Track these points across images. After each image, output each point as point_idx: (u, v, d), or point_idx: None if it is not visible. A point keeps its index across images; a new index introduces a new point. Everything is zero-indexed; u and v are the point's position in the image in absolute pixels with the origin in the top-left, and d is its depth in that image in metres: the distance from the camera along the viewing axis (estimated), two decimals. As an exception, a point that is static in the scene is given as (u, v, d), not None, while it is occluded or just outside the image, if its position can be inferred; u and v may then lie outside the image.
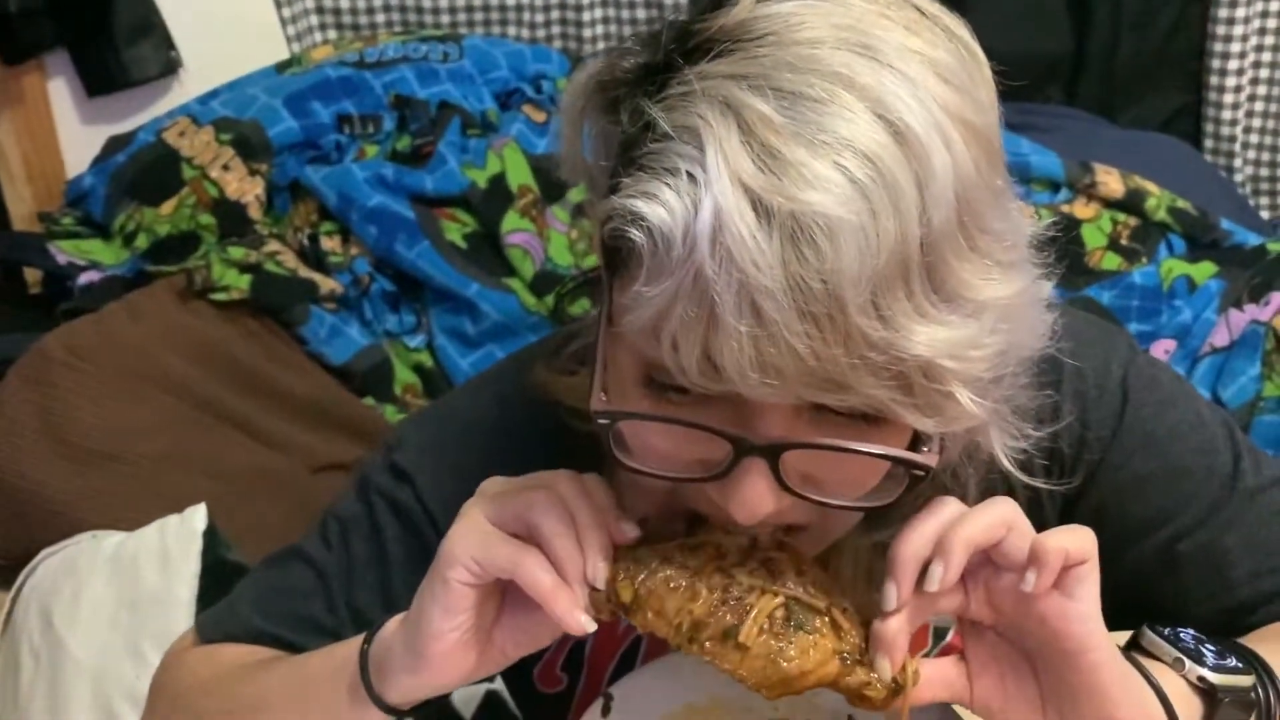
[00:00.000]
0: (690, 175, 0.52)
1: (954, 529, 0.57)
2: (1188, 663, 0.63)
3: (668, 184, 0.52)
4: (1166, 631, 0.66)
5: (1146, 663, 0.63)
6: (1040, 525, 0.74)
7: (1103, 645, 0.59)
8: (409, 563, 0.79)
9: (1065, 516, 0.79)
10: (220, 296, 1.50)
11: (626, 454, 0.59)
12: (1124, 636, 0.69)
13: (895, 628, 0.59)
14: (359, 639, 0.67)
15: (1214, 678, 0.63)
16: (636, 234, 0.53)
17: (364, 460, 0.84)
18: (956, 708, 0.68)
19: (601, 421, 0.59)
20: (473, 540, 0.60)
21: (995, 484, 0.73)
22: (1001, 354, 0.56)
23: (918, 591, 0.59)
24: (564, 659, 0.84)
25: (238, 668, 0.76)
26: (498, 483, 0.65)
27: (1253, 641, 0.68)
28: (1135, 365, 0.77)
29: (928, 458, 0.58)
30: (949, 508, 0.59)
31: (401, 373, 1.61)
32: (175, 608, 1.02)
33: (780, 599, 0.59)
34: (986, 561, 0.59)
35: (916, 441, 0.59)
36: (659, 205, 0.52)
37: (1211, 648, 0.65)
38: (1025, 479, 0.70)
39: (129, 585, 1.04)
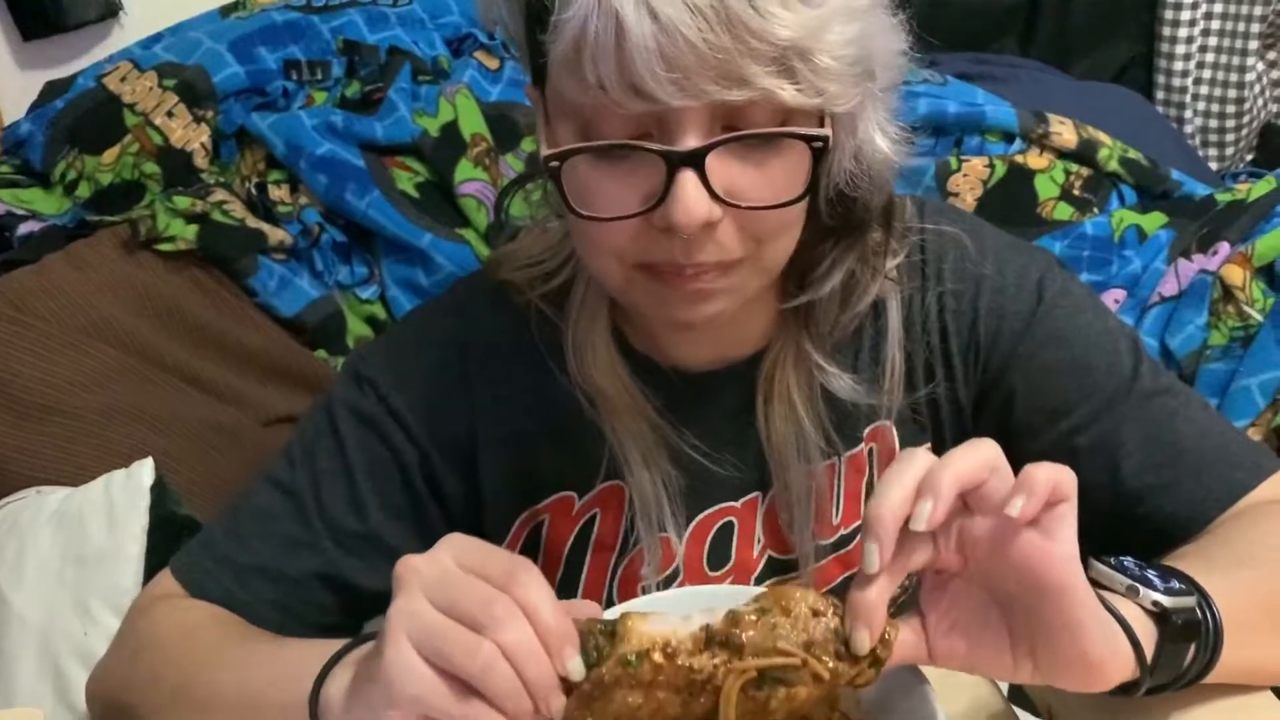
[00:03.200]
0: None
1: (939, 469, 0.58)
2: (1141, 589, 0.65)
3: None
4: (1112, 561, 0.67)
5: (1103, 595, 0.64)
6: (957, 413, 0.86)
7: (1081, 584, 0.60)
8: (373, 468, 0.83)
9: (979, 405, 0.86)
10: (166, 247, 1.47)
11: (578, 203, 0.68)
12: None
13: (875, 596, 0.59)
14: (309, 668, 0.66)
15: (1166, 601, 0.64)
16: None
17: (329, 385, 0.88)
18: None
19: (552, 165, 0.67)
20: (414, 679, 0.56)
21: (919, 350, 0.83)
22: (858, 43, 0.67)
23: (897, 551, 0.59)
24: (521, 547, 0.88)
25: (204, 649, 0.76)
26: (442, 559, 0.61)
27: (1175, 562, 0.70)
28: (1052, 273, 0.85)
29: (824, 130, 0.68)
30: (922, 456, 0.60)
31: (354, 325, 1.59)
32: (124, 564, 1.00)
33: (750, 671, 0.59)
34: (960, 509, 0.60)
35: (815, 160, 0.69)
36: None
37: (1154, 572, 0.67)
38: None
39: (75, 542, 1.02)
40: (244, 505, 0.85)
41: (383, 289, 1.61)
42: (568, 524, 0.86)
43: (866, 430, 0.86)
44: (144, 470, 1.05)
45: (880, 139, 0.75)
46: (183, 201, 1.52)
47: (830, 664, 0.59)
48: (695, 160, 0.65)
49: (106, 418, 1.24)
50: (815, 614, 0.59)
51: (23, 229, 1.52)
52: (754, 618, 0.59)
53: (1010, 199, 1.67)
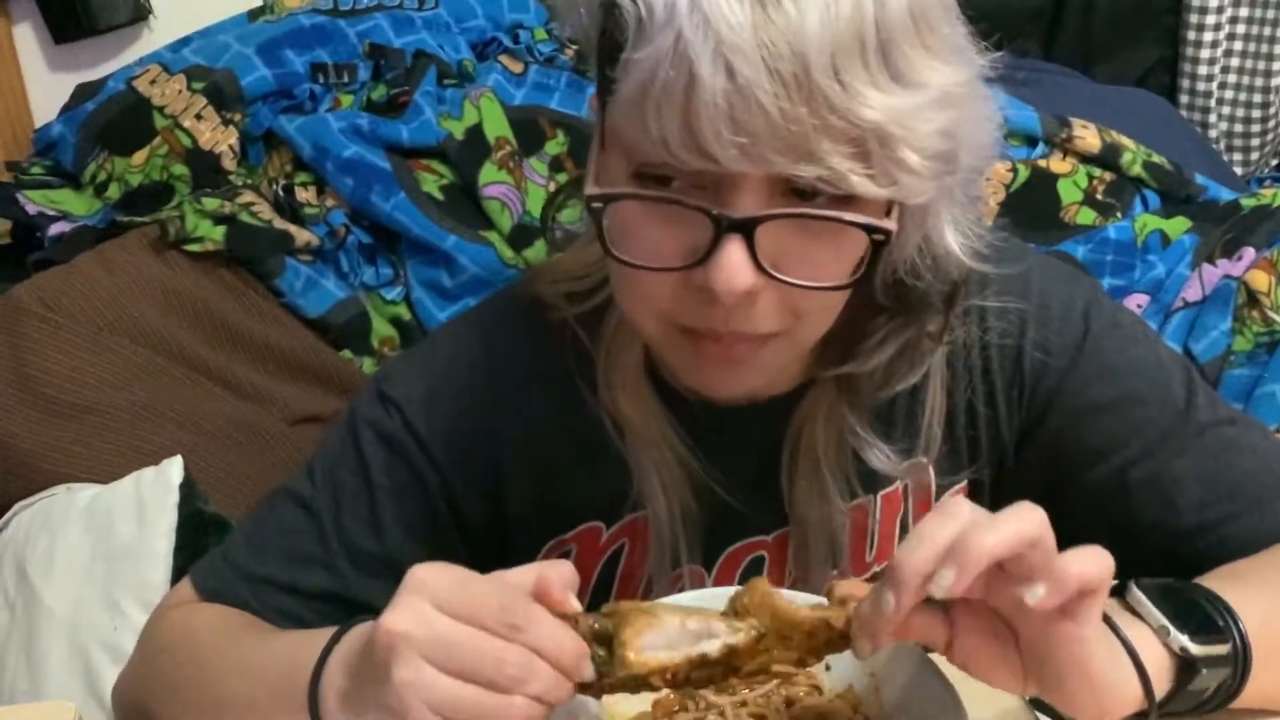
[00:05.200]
0: None
1: (974, 536, 0.54)
2: (1172, 631, 0.63)
3: None
4: (1154, 589, 0.65)
5: (1130, 629, 0.62)
6: (999, 450, 0.82)
7: (1096, 645, 0.59)
8: (395, 491, 0.81)
9: (1023, 441, 0.83)
10: (194, 248, 1.48)
11: (617, 245, 0.65)
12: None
13: (883, 622, 0.57)
14: (308, 663, 0.66)
15: (1194, 649, 0.63)
16: (627, 4, 0.60)
17: (352, 399, 0.86)
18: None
19: (595, 206, 0.63)
20: (426, 682, 0.56)
21: (961, 403, 0.80)
22: (948, 134, 0.62)
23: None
24: None
25: (209, 650, 0.76)
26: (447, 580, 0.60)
27: (1221, 579, 0.69)
28: (1098, 303, 0.82)
29: (888, 223, 0.64)
30: (961, 513, 0.56)
31: (379, 325, 1.59)
32: (152, 560, 1.02)
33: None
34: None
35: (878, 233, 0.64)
36: None
37: (1192, 604, 0.65)
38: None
39: (104, 538, 1.03)
40: (264, 517, 0.84)
41: (407, 290, 1.62)
42: (594, 554, 0.85)
43: (904, 465, 0.84)
44: (173, 468, 1.07)
45: (950, 235, 0.70)
46: (211, 203, 1.53)
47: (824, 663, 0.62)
48: (746, 229, 0.61)
49: (135, 416, 1.25)
50: (810, 635, 0.60)
51: (54, 229, 1.54)
52: (750, 645, 0.59)
53: (1033, 203, 1.67)
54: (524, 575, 0.60)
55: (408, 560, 0.82)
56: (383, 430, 0.82)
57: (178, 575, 1.02)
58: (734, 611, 0.60)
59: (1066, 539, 0.85)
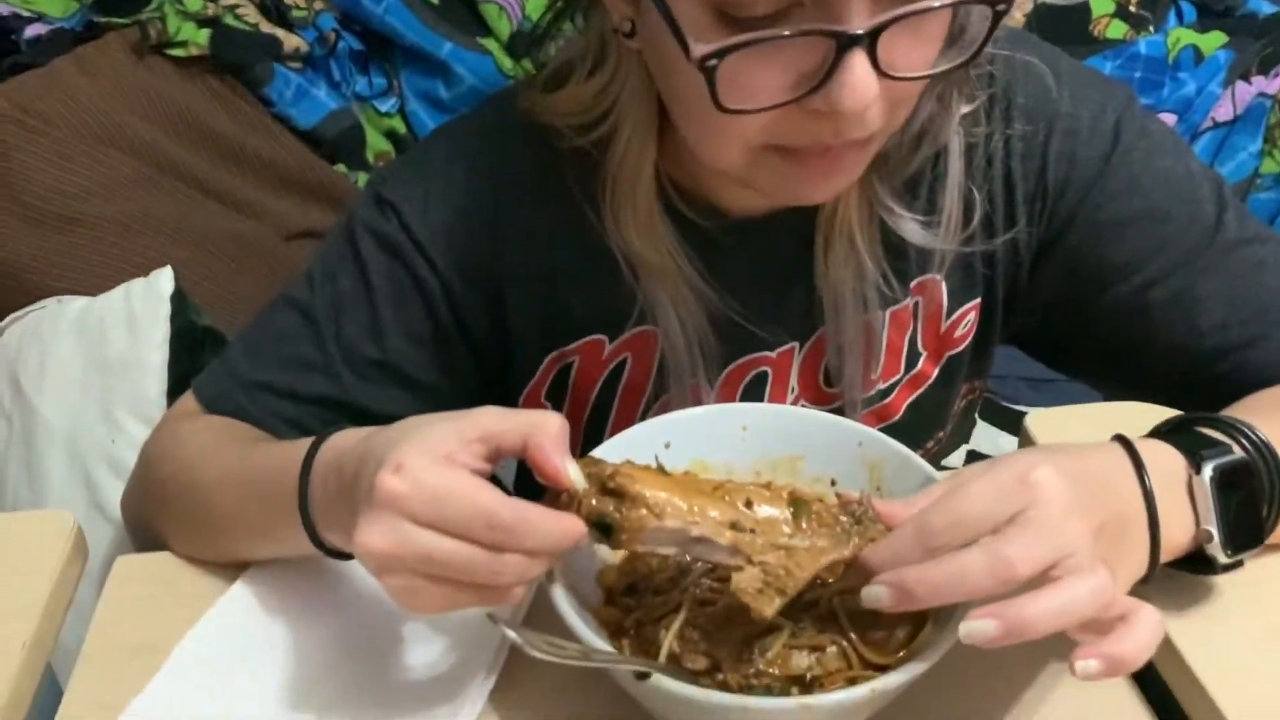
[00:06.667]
0: None
1: (1035, 610, 0.52)
2: (1215, 539, 0.61)
3: None
4: (1219, 479, 0.62)
5: (1172, 514, 0.61)
6: (1015, 266, 0.80)
7: None
8: (395, 295, 0.80)
9: (1041, 257, 0.81)
10: (178, 52, 1.41)
11: (725, 97, 0.61)
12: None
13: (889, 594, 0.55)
14: (294, 472, 0.65)
15: (1223, 561, 0.62)
16: None
17: (350, 206, 0.83)
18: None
19: (709, 64, 0.59)
20: (418, 589, 0.56)
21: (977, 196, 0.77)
22: None
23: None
24: (548, 386, 0.85)
25: (200, 460, 0.75)
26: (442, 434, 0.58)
27: (1262, 411, 0.67)
28: (1130, 113, 0.78)
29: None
30: (1018, 559, 0.52)
31: (373, 139, 1.54)
32: (146, 372, 1.00)
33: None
34: None
35: None
36: None
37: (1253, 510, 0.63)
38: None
39: (96, 350, 1.01)
40: (262, 324, 0.83)
41: (402, 102, 1.56)
42: (597, 367, 0.84)
43: (914, 283, 0.82)
44: (163, 279, 1.03)
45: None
46: (194, 4, 1.45)
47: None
48: (869, 40, 0.58)
49: (124, 227, 1.21)
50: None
51: (30, 31, 1.46)
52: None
53: (1061, 15, 1.59)
54: (509, 426, 0.57)
55: (409, 365, 0.81)
56: (380, 234, 0.80)
57: (174, 388, 1.01)
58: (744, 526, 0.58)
59: (1089, 359, 0.84)
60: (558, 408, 0.86)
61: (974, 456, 1.23)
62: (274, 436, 0.79)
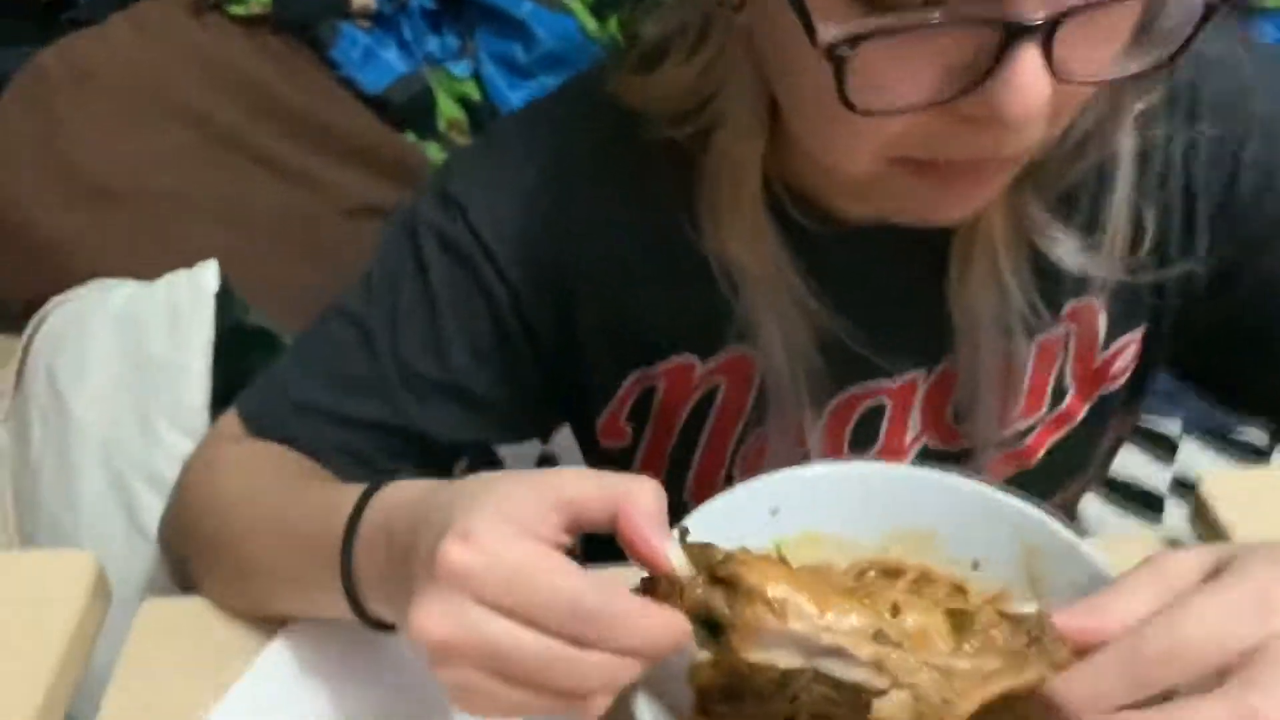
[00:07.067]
0: None
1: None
2: None
3: None
4: None
5: None
6: (1191, 292, 0.70)
7: None
8: (459, 305, 0.71)
9: (1220, 284, 0.69)
10: (238, 10, 1.33)
11: (855, 92, 0.50)
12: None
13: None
14: (338, 528, 0.56)
15: None
16: None
17: (411, 197, 0.74)
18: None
19: (840, 52, 0.48)
20: (486, 691, 0.46)
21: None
22: None
23: None
24: (629, 409, 0.75)
25: (234, 502, 0.67)
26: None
27: None
28: None
29: None
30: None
31: (445, 106, 1.45)
32: (188, 379, 0.91)
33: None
34: None
35: None
36: None
37: None
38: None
39: (135, 348, 0.93)
40: (315, 336, 0.75)
41: (476, 65, 1.47)
42: (686, 391, 0.74)
43: (1067, 308, 0.70)
44: (207, 274, 0.94)
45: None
46: (256, -43, 1.36)
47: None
48: (1044, 32, 0.48)
49: (174, 205, 1.13)
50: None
51: (87, -15, 1.39)
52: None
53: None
54: (595, 494, 0.47)
55: (474, 384, 0.73)
56: (445, 235, 0.71)
57: (219, 396, 0.92)
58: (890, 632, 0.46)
59: (1262, 395, 0.74)
60: (638, 434, 0.76)
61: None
62: (327, 467, 0.70)
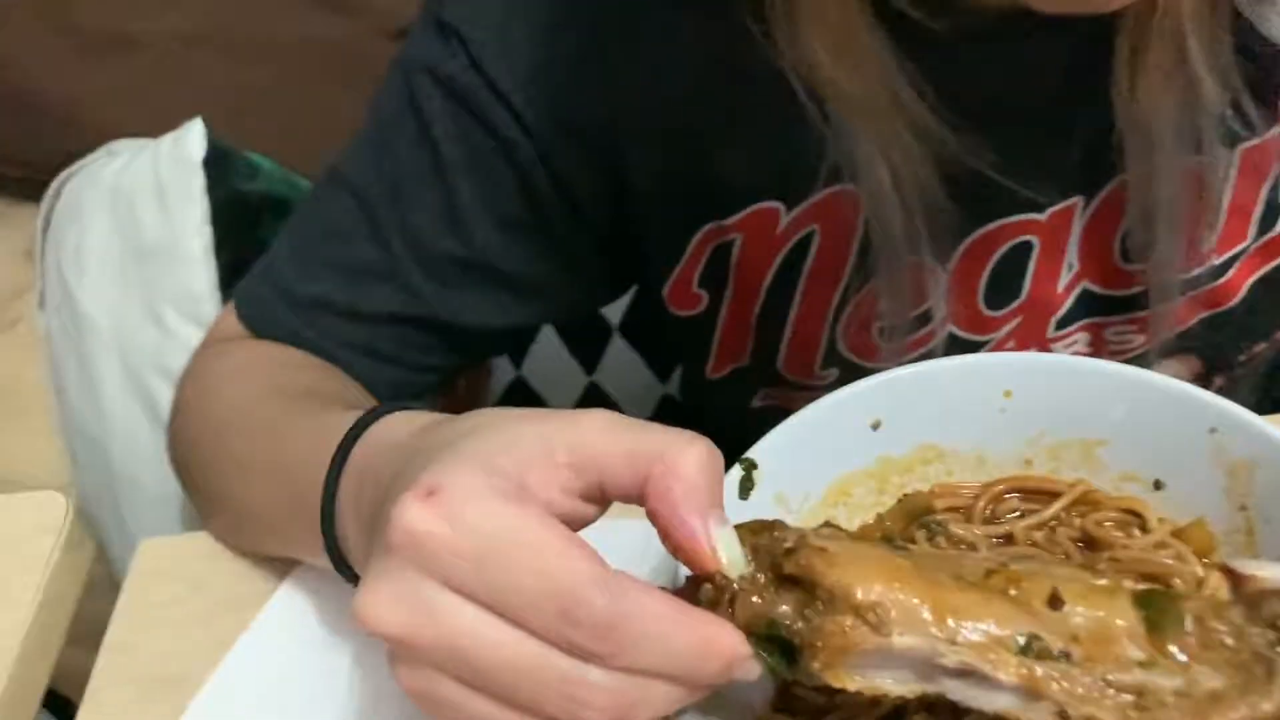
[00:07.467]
0: None
1: None
2: None
3: None
4: None
5: None
6: None
7: None
8: (473, 165, 0.58)
9: None
10: None
11: None
12: None
13: None
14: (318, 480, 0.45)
15: None
16: None
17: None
18: None
19: None
20: (452, 702, 0.34)
21: None
22: None
23: None
24: (701, 270, 0.62)
25: (226, 428, 0.58)
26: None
27: None
28: None
29: None
30: None
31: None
32: (189, 264, 0.79)
33: None
34: None
35: None
36: None
37: None
38: None
39: (130, 233, 0.82)
40: (309, 212, 0.64)
41: None
42: (770, 245, 0.60)
43: None
44: (192, 138, 0.81)
45: None
46: None
47: None
48: None
49: (187, 44, 0.99)
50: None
51: None
52: None
53: None
54: (622, 450, 0.34)
55: (501, 260, 0.60)
56: (444, 76, 0.58)
57: (228, 276, 0.81)
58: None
59: None
60: (715, 303, 0.63)
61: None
62: (346, 370, 0.60)
